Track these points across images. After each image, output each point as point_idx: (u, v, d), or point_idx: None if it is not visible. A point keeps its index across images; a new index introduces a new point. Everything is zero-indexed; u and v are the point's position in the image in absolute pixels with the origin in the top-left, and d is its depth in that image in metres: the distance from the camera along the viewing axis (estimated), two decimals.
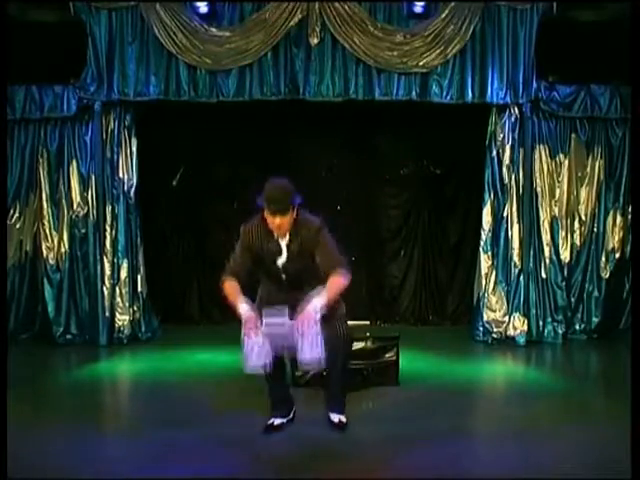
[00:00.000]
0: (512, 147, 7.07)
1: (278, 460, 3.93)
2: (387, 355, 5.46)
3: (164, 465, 3.83)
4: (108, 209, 7.07)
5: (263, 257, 4.13)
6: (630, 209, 7.07)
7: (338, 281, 3.96)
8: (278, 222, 3.98)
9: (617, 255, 7.29)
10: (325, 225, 4.11)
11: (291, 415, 4.42)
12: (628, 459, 3.32)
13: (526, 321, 7.09)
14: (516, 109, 7.02)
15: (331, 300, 3.92)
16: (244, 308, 3.93)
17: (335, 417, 4.36)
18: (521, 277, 7.09)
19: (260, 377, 4.57)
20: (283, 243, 4.10)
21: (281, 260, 4.12)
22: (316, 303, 3.83)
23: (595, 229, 7.30)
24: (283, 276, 4.16)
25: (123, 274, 7.10)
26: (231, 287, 4.07)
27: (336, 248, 4.09)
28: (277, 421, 4.34)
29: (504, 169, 7.10)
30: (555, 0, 6.78)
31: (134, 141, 7.12)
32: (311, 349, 3.75)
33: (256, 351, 3.80)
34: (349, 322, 4.29)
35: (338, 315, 4.19)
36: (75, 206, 7.10)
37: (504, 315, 7.12)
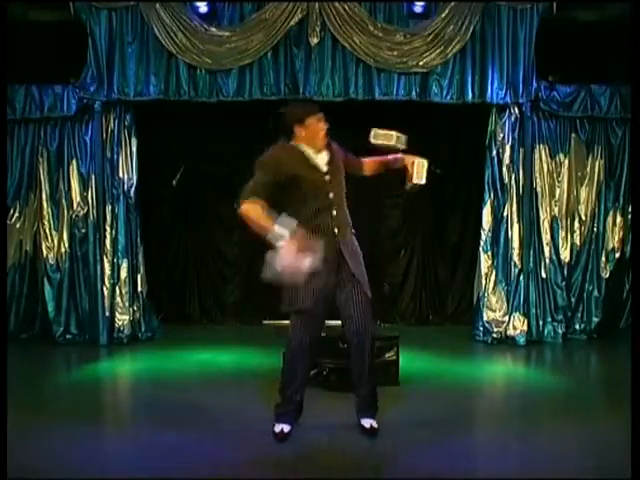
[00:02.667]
0: (512, 147, 7.06)
1: (278, 460, 3.93)
2: (387, 355, 5.46)
3: (164, 465, 3.83)
4: (108, 209, 7.06)
5: (304, 177, 3.98)
6: (630, 209, 7.07)
7: None
8: (326, 129, 4.04)
9: (617, 255, 7.28)
10: None
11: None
12: (628, 459, 3.32)
13: (526, 321, 7.08)
14: (516, 109, 7.01)
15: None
16: (281, 227, 3.70)
17: (366, 422, 4.19)
18: (521, 277, 7.08)
19: (261, 378, 4.57)
20: (321, 159, 4.10)
21: (327, 176, 4.08)
22: None
23: (595, 229, 7.29)
24: (331, 195, 4.10)
25: (123, 274, 7.09)
26: (254, 208, 3.83)
27: None
28: (287, 428, 4.16)
29: (504, 169, 7.09)
30: (555, 0, 6.79)
31: (134, 141, 7.11)
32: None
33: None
34: None
35: (368, 311, 4.15)
36: (75, 206, 7.09)
37: (504, 315, 7.11)
